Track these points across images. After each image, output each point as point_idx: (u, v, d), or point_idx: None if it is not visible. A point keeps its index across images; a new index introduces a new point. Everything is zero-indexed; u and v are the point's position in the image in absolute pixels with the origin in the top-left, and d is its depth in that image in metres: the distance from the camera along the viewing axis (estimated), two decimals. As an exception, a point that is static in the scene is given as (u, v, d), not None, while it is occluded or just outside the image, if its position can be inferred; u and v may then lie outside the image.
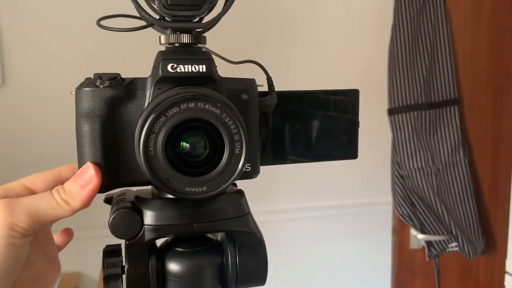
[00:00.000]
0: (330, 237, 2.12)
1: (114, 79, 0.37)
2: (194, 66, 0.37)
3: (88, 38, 1.48)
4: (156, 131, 0.32)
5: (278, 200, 2.05)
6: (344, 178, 2.08)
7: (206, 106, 0.33)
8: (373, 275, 2.10)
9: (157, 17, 0.39)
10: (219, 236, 0.43)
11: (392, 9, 1.74)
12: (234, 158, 0.34)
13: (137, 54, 1.21)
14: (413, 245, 1.90)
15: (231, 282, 0.41)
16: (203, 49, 0.40)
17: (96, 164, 0.37)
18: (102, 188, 0.38)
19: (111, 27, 0.42)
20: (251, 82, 0.41)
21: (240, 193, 0.42)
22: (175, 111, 0.32)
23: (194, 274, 0.39)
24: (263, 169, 1.59)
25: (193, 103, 0.32)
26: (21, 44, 1.62)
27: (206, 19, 0.41)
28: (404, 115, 1.77)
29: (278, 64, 1.88)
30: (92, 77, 0.39)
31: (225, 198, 0.40)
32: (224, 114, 0.33)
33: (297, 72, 1.91)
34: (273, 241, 2.10)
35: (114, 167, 0.38)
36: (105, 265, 0.38)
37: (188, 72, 0.37)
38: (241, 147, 0.34)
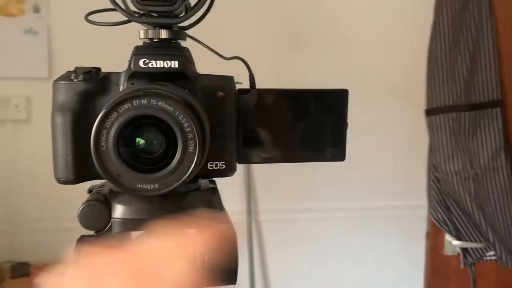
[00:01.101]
0: (364, 238, 2.09)
1: (89, 73, 0.38)
2: (166, 62, 0.37)
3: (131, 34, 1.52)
4: (107, 126, 0.33)
5: (313, 200, 2.04)
6: (380, 180, 2.04)
7: (159, 103, 0.32)
8: (405, 280, 2.04)
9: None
10: (195, 232, 0.43)
11: (433, 6, 1.68)
12: (187, 157, 0.33)
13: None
14: (448, 251, 1.83)
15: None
16: (181, 46, 0.40)
17: (66, 156, 0.38)
18: (73, 180, 0.38)
19: (98, 22, 0.43)
20: (228, 80, 0.41)
21: (213, 190, 0.41)
22: (127, 107, 0.32)
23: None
24: (298, 168, 1.58)
25: (145, 100, 0.32)
26: (68, 40, 1.69)
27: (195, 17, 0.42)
28: (442, 116, 1.70)
29: (312, 63, 1.87)
30: (72, 70, 0.40)
31: (196, 195, 0.40)
32: (177, 112, 0.33)
33: (335, 72, 1.90)
34: (306, 240, 2.11)
35: (84, 160, 0.38)
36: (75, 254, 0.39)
37: (159, 68, 0.37)
38: (195, 146, 0.33)
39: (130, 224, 0.38)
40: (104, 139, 0.33)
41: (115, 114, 0.32)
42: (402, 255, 2.08)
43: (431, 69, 1.70)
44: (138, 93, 0.32)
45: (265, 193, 2.02)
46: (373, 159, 2.04)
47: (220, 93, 0.40)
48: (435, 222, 1.79)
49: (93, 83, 0.38)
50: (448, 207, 1.75)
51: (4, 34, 1.78)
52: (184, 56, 0.38)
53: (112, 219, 0.38)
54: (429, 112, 1.72)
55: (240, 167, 1.60)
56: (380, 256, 2.09)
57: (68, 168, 0.38)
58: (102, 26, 0.44)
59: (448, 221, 1.76)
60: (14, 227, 1.78)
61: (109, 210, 0.38)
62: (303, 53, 1.89)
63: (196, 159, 0.33)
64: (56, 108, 0.38)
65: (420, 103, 1.77)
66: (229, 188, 1.72)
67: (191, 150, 0.33)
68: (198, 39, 0.45)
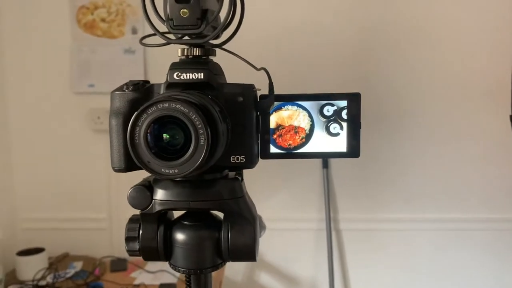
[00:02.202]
0: (451, 252, 2.03)
1: (137, 85, 0.48)
2: (194, 74, 0.46)
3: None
4: (140, 124, 0.42)
5: (396, 210, 2.03)
6: (469, 190, 1.98)
7: (177, 106, 0.41)
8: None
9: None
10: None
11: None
12: (199, 148, 0.42)
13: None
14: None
15: (226, 256, 0.49)
16: (208, 60, 0.49)
17: (119, 149, 0.48)
18: (124, 168, 0.49)
19: (148, 44, 0.53)
20: (248, 87, 0.49)
21: (236, 179, 0.50)
22: (154, 109, 0.42)
23: (193, 243, 0.48)
24: (381, 177, 1.62)
25: (167, 103, 0.41)
26: (160, 58, 1.88)
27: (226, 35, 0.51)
28: (528, 122, 1.63)
29: (403, 68, 1.89)
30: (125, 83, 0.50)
31: (221, 182, 0.49)
32: (191, 112, 0.41)
33: (423, 76, 1.89)
34: (389, 252, 2.10)
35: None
36: (126, 229, 0.49)
37: (189, 79, 0.47)
38: (205, 139, 0.41)
39: (167, 204, 0.48)
40: (137, 134, 0.42)
41: (144, 115, 0.42)
42: (494, 270, 1.98)
43: (515, 74, 1.63)
44: (161, 98, 0.41)
45: (346, 202, 2.05)
46: (459, 169, 1.98)
47: (240, 98, 0.48)
48: (524, 234, 1.69)
49: (139, 93, 0.48)
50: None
51: (108, 53, 2.02)
52: (209, 69, 0.47)
53: (153, 200, 0.48)
54: (514, 118, 1.65)
55: (319, 177, 1.66)
56: (470, 272, 2.01)
57: (121, 159, 0.48)
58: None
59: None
60: (114, 226, 1.99)
61: (151, 193, 0.48)
62: (388, 56, 1.91)
63: (206, 149, 0.41)
64: (112, 112, 0.48)
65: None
66: (309, 196, 1.78)
67: (202, 143, 0.41)
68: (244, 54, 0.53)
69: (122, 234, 0.63)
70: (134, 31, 2.02)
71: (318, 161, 1.99)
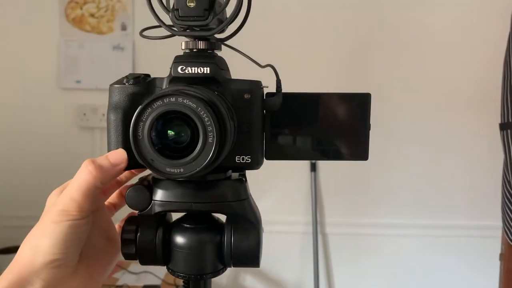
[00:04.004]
0: (434, 258, 2.03)
1: (138, 78, 0.46)
2: (200, 68, 0.44)
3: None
4: (143, 119, 0.40)
5: (381, 215, 2.03)
6: (451, 197, 1.99)
7: (185, 101, 0.39)
8: (478, 302, 1.96)
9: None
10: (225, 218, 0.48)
11: (510, 17, 1.62)
12: (207, 146, 0.39)
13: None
14: (524, 273, 1.72)
15: (227, 260, 0.47)
16: (214, 54, 0.47)
17: (117, 146, 0.45)
18: None
19: (149, 36, 0.50)
20: (255, 84, 0.46)
21: (240, 180, 0.47)
22: (159, 103, 0.39)
23: (194, 247, 0.46)
24: (367, 182, 1.62)
25: (173, 98, 0.39)
26: (150, 55, 1.85)
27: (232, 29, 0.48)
28: (518, 130, 1.63)
29: (392, 73, 1.89)
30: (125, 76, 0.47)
31: (225, 183, 0.46)
32: (199, 108, 0.39)
33: (411, 82, 1.90)
34: (373, 256, 2.10)
35: (131, 150, 0.45)
36: (123, 231, 0.47)
37: (194, 73, 0.44)
38: (214, 137, 0.39)
39: (167, 205, 0.45)
40: (140, 130, 0.40)
41: (149, 110, 0.39)
42: (475, 276, 2.00)
43: (506, 81, 1.64)
44: (168, 92, 0.39)
45: (333, 206, 2.04)
46: (445, 176, 1.99)
47: (247, 95, 0.45)
48: (510, 242, 1.70)
49: (140, 86, 0.45)
50: (524, 227, 1.66)
51: (96, 49, 1.98)
52: (215, 64, 0.44)
53: (153, 201, 0.45)
54: (503, 127, 1.65)
55: (307, 180, 1.65)
56: (451, 277, 2.02)
57: (119, 156, 0.45)
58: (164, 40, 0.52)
59: (524, 242, 1.67)
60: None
61: (151, 193, 0.45)
62: (375, 64, 1.91)
63: (214, 148, 0.39)
64: (111, 107, 0.46)
65: (496, 117, 1.71)
66: (296, 199, 1.78)
67: (210, 141, 0.39)
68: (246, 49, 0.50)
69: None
70: (124, 28, 1.98)
71: (306, 164, 1.98)
